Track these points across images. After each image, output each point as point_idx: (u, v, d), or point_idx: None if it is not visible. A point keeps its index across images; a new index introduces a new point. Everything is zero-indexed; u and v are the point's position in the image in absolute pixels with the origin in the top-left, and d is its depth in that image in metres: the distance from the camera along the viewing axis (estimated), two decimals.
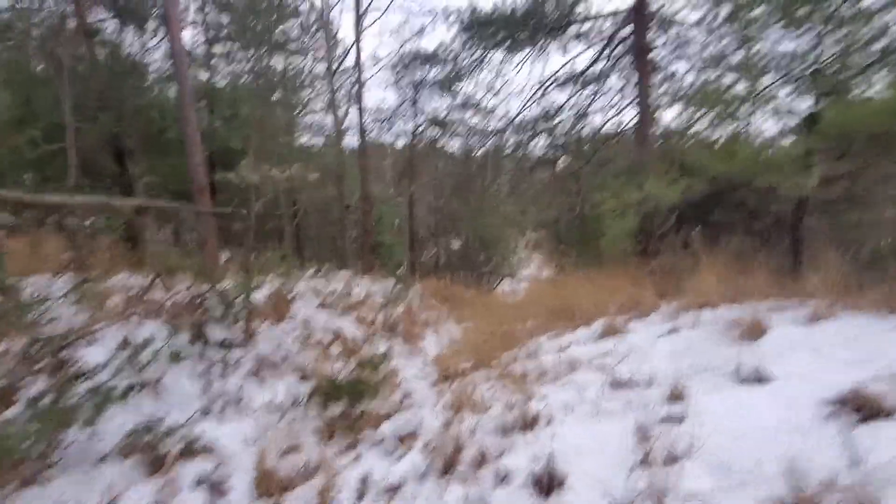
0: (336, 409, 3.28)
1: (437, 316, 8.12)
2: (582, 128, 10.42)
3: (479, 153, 13.81)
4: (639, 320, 4.14)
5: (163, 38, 7.25)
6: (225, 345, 3.65)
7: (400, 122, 13.76)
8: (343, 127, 11.76)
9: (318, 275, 8.08)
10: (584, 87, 9.88)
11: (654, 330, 3.72)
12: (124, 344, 3.08)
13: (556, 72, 9.98)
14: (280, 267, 4.62)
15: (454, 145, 14.81)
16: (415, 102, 13.32)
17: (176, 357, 3.22)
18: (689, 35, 8.10)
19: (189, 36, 8.96)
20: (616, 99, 9.83)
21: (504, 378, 3.54)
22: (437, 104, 13.35)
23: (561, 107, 10.49)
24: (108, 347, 3.00)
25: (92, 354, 2.90)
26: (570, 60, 9.66)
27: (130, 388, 2.79)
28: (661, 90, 8.73)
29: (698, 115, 8.46)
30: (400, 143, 14.13)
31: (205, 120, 7.66)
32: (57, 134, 6.10)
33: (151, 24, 7.84)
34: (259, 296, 4.68)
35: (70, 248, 3.38)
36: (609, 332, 3.94)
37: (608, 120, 10.18)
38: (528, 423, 2.50)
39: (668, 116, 8.85)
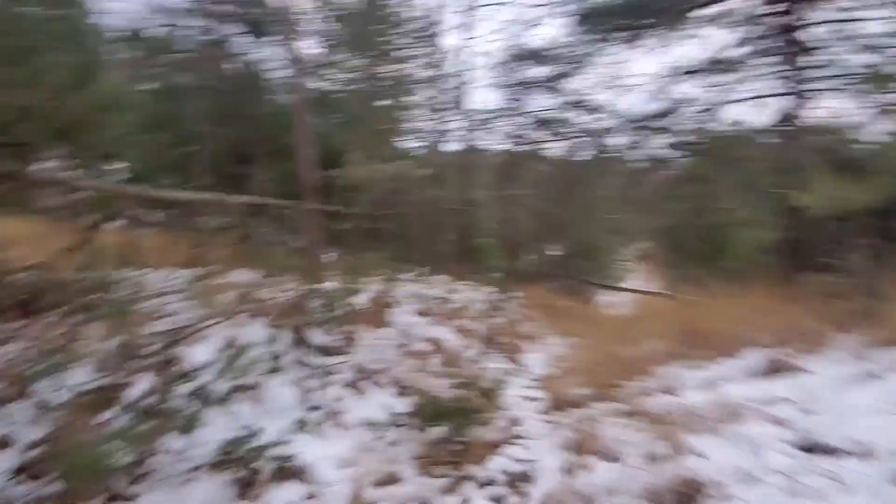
0: (437, 432, 2.92)
1: (539, 328, 7.54)
2: (709, 123, 9.14)
3: (587, 154, 12.91)
4: (811, 356, 3.25)
5: (280, 47, 7.61)
6: (325, 351, 3.49)
7: (502, 124, 13.35)
8: (445, 129, 11.64)
9: (417, 278, 7.94)
10: (714, 76, 8.64)
11: (839, 371, 2.85)
12: (228, 344, 3.02)
13: (682, 61, 8.86)
14: (383, 270, 4.41)
15: (559, 146, 14.04)
16: (518, 102, 12.81)
17: (276, 362, 3.10)
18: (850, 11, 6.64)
19: (304, 45, 9.41)
20: (754, 90, 8.45)
21: (636, 416, 2.93)
22: (542, 104, 12.73)
23: (685, 101, 9.33)
24: (212, 347, 2.94)
25: (197, 353, 2.85)
26: (698, 48, 8.51)
27: (230, 392, 2.69)
28: (815, 75, 7.28)
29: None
30: (501, 146, 13.69)
31: (316, 124, 7.93)
32: (191, 139, 6.60)
33: (272, 36, 8.30)
34: (360, 299, 4.53)
35: (193, 244, 3.43)
36: (774, 368, 3.13)
37: (740, 114, 8.85)
38: (688, 493, 1.91)
39: (824, 107, 7.33)
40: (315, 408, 2.93)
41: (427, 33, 12.64)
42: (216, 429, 2.38)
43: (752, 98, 8.00)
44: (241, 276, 4.21)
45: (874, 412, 2.27)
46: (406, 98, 13.48)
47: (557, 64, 11.07)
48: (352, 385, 3.27)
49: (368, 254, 4.55)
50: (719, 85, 8.43)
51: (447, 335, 5.12)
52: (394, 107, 11.96)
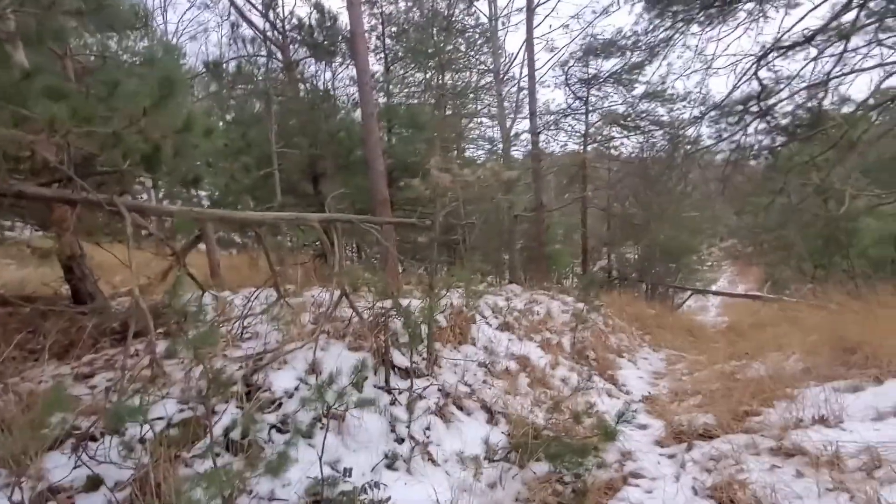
0: (540, 469, 2.55)
1: (629, 340, 6.89)
2: (819, 102, 8.00)
3: (666, 149, 11.94)
4: None
5: (348, 66, 7.69)
6: (409, 373, 3.24)
7: (570, 124, 12.75)
8: (511, 134, 11.28)
9: (493, 289, 7.60)
10: (822, 49, 7.56)
11: None
12: (311, 369, 2.85)
13: (781, 36, 7.86)
14: (462, 282, 4.13)
15: (633, 143, 13.16)
16: (587, 100, 12.17)
17: (361, 387, 2.88)
18: None
19: (370, 62, 9.53)
20: (873, 59, 7.28)
21: (790, 455, 2.37)
22: (613, 99, 12.01)
23: (786, 78, 8.27)
24: (296, 372, 2.78)
25: (279, 380, 2.70)
26: (798, 20, 7.50)
27: (314, 422, 2.49)
28: None
29: None
30: (570, 147, 13.07)
31: (384, 138, 7.92)
32: (266, 161, 6.78)
33: (340, 57, 8.45)
34: (439, 315, 4.27)
35: (271, 264, 3.34)
36: None
37: (857, 89, 7.67)
38: None
39: None
40: (403, 439, 2.66)
41: (489, 38, 12.42)
42: (302, 465, 2.18)
43: (874, 67, 6.87)
44: (321, 295, 4.11)
45: None
46: (472, 105, 13.33)
47: (632, 53, 10.34)
48: (438, 412, 2.98)
49: (447, 266, 4.28)
50: (830, 56, 7.35)
51: (533, 350, 4.72)
52: (460, 114, 11.83)
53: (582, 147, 12.60)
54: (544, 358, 4.65)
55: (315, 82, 8.52)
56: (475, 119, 14.52)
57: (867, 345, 3.45)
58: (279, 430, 2.44)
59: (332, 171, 7.27)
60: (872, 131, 7.33)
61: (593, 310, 5.86)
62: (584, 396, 4.00)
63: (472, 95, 13.45)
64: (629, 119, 11.85)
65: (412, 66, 12.20)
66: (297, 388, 2.68)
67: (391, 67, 9.73)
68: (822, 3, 7.17)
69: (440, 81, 12.38)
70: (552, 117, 12.49)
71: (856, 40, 7.23)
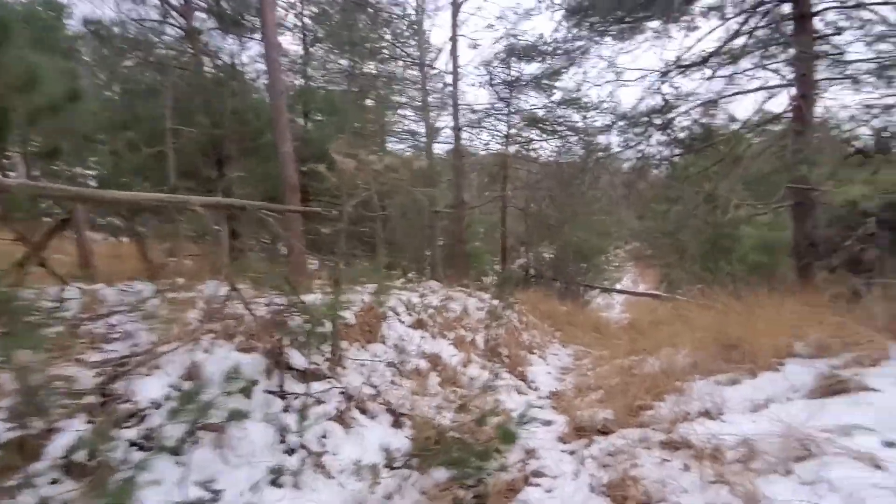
0: (442, 474, 2.43)
1: (541, 337, 7.09)
2: (711, 119, 8.80)
3: (579, 154, 12.54)
4: (870, 369, 2.83)
5: (258, 42, 7.09)
6: (307, 376, 2.98)
7: (493, 124, 12.94)
8: (435, 129, 11.19)
9: (409, 286, 7.45)
10: (716, 68, 8.31)
11: None
12: (189, 374, 2.50)
13: (681, 56, 8.51)
14: (374, 277, 3.92)
15: (551, 147, 13.67)
16: (509, 102, 12.43)
17: (247, 393, 2.59)
18: None
19: (286, 41, 8.91)
20: (759, 81, 8.13)
21: (678, 448, 2.47)
22: (534, 102, 12.36)
23: (685, 95, 8.98)
24: (168, 378, 2.42)
25: (148, 387, 2.32)
26: (697, 41, 8.17)
27: (188, 435, 2.17)
28: (824, 64, 6.98)
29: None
30: (492, 146, 13.29)
31: (302, 123, 7.45)
32: (159, 139, 6.05)
33: (249, 30, 7.79)
34: (347, 312, 4.03)
35: (145, 252, 2.90)
36: (830, 386, 2.69)
37: (745, 107, 8.54)
38: None
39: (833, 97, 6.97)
40: (294, 449, 2.42)
41: (416, 30, 12.22)
42: (166, 488, 1.87)
43: (758, 90, 7.67)
44: (211, 289, 3.69)
45: None
46: (394, 97, 13.05)
47: (551, 59, 10.70)
48: (338, 417, 2.76)
49: (357, 260, 4.05)
50: (721, 77, 8.09)
51: (446, 348, 4.63)
52: (380, 105, 11.52)
53: (503, 147, 12.85)
54: (457, 356, 4.58)
55: (221, 56, 7.77)
56: (399, 112, 14.28)
57: (745, 342, 3.76)
58: (141, 448, 2.09)
59: (239, 155, 6.67)
60: (754, 148, 8.19)
61: (508, 307, 5.92)
62: (493, 394, 3.97)
63: (397, 87, 13.20)
64: (547, 123, 12.27)
65: (336, 50, 11.67)
66: (167, 398, 2.33)
67: (310, 49, 9.17)
68: (718, 27, 7.84)
69: (363, 70, 11.98)
70: (476, 115, 12.60)
71: (744, 63, 8.05)
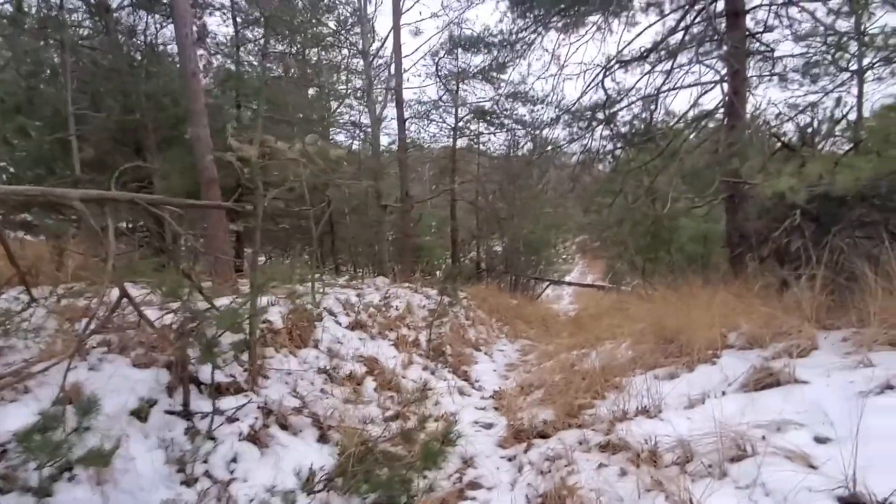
0: (369, 498, 2.21)
1: (488, 332, 6.99)
2: (651, 114, 9.01)
3: (527, 147, 12.58)
4: (800, 360, 2.85)
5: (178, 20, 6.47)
6: (219, 391, 2.66)
7: (441, 116, 12.73)
8: (380, 121, 10.84)
9: (351, 283, 7.14)
10: (655, 64, 8.49)
11: (842, 381, 2.45)
12: (67, 397, 2.13)
13: (622, 50, 8.64)
14: (305, 276, 3.62)
15: (500, 140, 13.65)
16: (456, 93, 12.25)
17: (145, 416, 2.26)
18: None
19: (214, 21, 8.25)
20: (696, 77, 8.38)
21: (616, 451, 2.37)
22: (481, 95, 12.25)
23: (625, 90, 9.14)
24: (39, 403, 2.05)
25: (13, 416, 1.95)
26: (636, 36, 8.31)
27: (61, 472, 1.83)
28: (756, 61, 7.28)
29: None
30: (440, 139, 13.09)
31: (223, 110, 6.90)
32: (60, 125, 5.39)
33: (166, 5, 7.13)
34: (274, 315, 3.71)
35: (11, 254, 2.46)
36: (762, 379, 2.69)
37: (683, 102, 8.80)
38: None
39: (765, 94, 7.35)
40: (196, 479, 2.11)
41: (358, 17, 11.76)
42: None
43: (694, 85, 7.89)
44: (113, 294, 3.26)
45: None
46: (339, 86, 12.54)
47: (497, 51, 10.60)
48: (253, 436, 2.47)
49: (287, 257, 3.73)
50: (660, 73, 8.27)
51: (386, 350, 4.39)
52: (323, 94, 11.01)
53: (452, 140, 12.68)
54: (397, 357, 4.36)
55: (137, 35, 7.05)
56: (346, 102, 13.77)
57: (682, 334, 3.77)
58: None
59: (159, 145, 6.07)
60: (689, 142, 8.44)
61: (454, 304, 5.76)
62: (433, 397, 3.79)
63: (341, 77, 12.71)
64: (495, 116, 12.21)
65: (276, 35, 11.02)
66: (35, 427, 1.96)
67: (240, 31, 8.55)
68: (656, 22, 7.99)
69: (305, 57, 11.42)
70: (423, 107, 12.34)
71: (681, 59, 8.26)
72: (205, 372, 2.66)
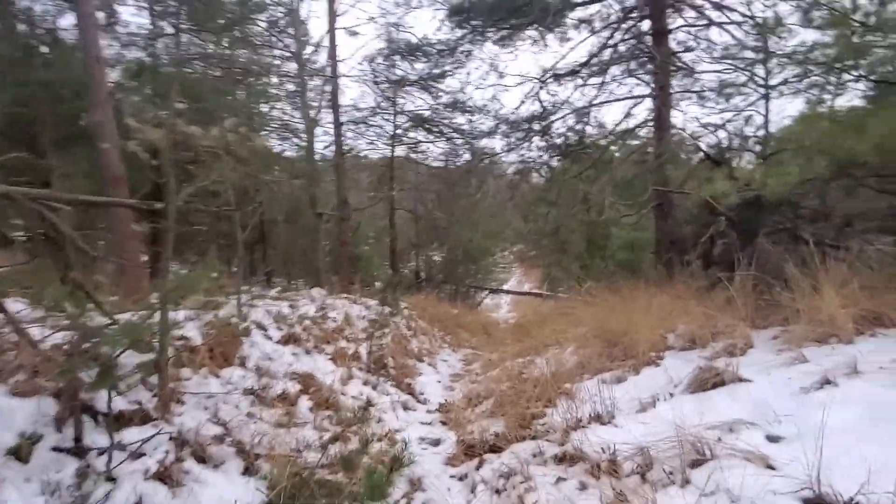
0: None
1: (430, 342, 6.79)
2: (584, 125, 9.35)
3: (465, 157, 12.66)
4: (741, 360, 2.91)
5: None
6: (121, 421, 2.24)
7: (379, 123, 12.48)
8: (315, 123, 10.39)
9: (284, 295, 6.66)
10: (587, 79, 8.83)
11: (783, 378, 2.51)
12: None
13: (556, 64, 8.89)
14: (221, 284, 3.24)
15: (439, 149, 13.62)
16: (394, 102, 12.08)
17: (23, 455, 1.83)
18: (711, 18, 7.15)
19: (127, 11, 7.51)
20: (625, 92, 8.79)
21: (573, 462, 2.25)
22: (419, 103, 12.16)
23: (560, 103, 9.42)
24: None
25: None
26: (570, 50, 8.60)
27: None
28: (679, 79, 7.76)
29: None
30: (378, 147, 12.81)
31: (141, 106, 6.24)
32: None
33: None
34: (192, 331, 3.28)
35: None
36: (707, 379, 2.70)
37: (613, 116, 9.21)
38: None
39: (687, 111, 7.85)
40: None
41: (291, 19, 11.27)
42: None
43: (623, 99, 8.27)
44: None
45: (857, 435, 1.85)
46: (272, 90, 11.91)
47: (435, 60, 10.57)
48: (163, 473, 2.08)
49: (206, 265, 3.31)
50: (593, 86, 8.60)
51: (323, 365, 4.06)
52: (252, 96, 10.38)
53: (390, 147, 12.45)
54: (335, 372, 4.04)
55: (34, 21, 6.21)
56: (278, 107, 13.11)
57: (625, 337, 3.80)
58: None
59: (55, 141, 5.33)
60: (621, 153, 8.84)
61: (395, 314, 5.50)
62: (376, 413, 3.52)
63: (273, 79, 12.09)
64: (434, 124, 12.16)
65: (199, 32, 10.27)
66: None
67: (156, 22, 7.83)
68: (588, 38, 8.31)
69: (233, 56, 10.75)
70: (360, 114, 12.02)
71: (611, 74, 8.65)
72: (101, 400, 2.23)
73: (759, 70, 7.16)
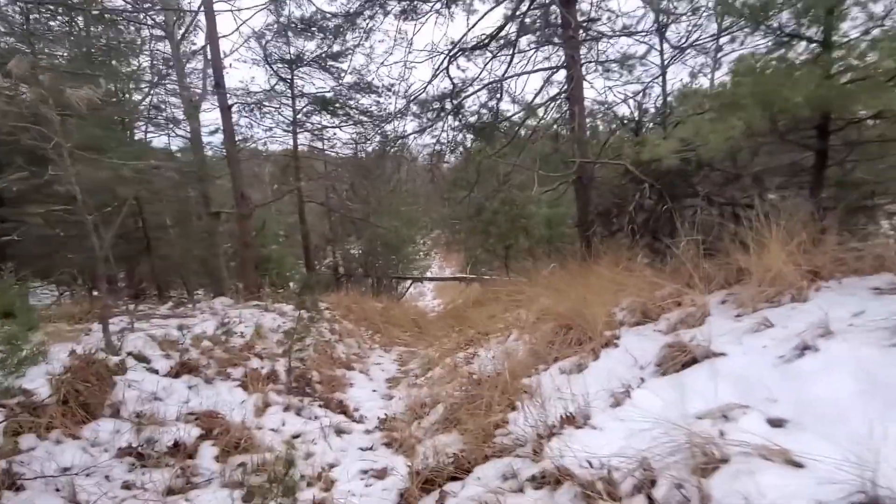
0: None
1: (359, 345, 6.17)
2: (497, 102, 9.10)
3: (376, 142, 11.93)
4: (702, 330, 2.71)
5: None
6: None
7: (276, 109, 11.30)
8: (196, 109, 9.06)
9: (177, 311, 5.66)
10: (496, 53, 8.55)
11: (757, 346, 2.31)
12: None
13: (463, 37, 8.50)
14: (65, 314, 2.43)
15: (347, 134, 12.75)
16: (292, 83, 10.98)
17: None
18: None
19: None
20: (535, 65, 8.63)
21: (559, 484, 1.85)
22: (321, 84, 11.19)
23: (469, 80, 9.07)
24: None
25: None
26: (477, 21, 8.24)
27: None
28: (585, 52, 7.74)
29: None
30: (277, 135, 11.60)
31: None
32: None
33: None
34: (37, 380, 2.42)
35: None
36: (676, 357, 2.46)
37: (525, 90, 9.05)
38: None
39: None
40: None
41: None
42: None
43: (536, 71, 8.10)
44: None
45: (872, 409, 1.63)
46: (135, 74, 10.19)
47: (332, 36, 9.69)
48: None
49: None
50: (502, 61, 8.34)
51: (229, 396, 3.32)
52: (114, 80, 8.75)
53: (292, 134, 11.35)
54: (248, 401, 3.33)
55: None
56: (156, 94, 11.31)
57: (577, 317, 3.51)
58: None
59: None
60: (539, 128, 8.72)
61: (316, 318, 4.80)
62: (302, 446, 2.91)
63: (139, 62, 10.38)
64: (339, 107, 11.26)
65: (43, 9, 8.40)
66: None
67: None
68: (493, 9, 7.98)
69: (85, 34, 9.01)
70: (253, 98, 10.78)
71: (521, 46, 8.44)
72: None
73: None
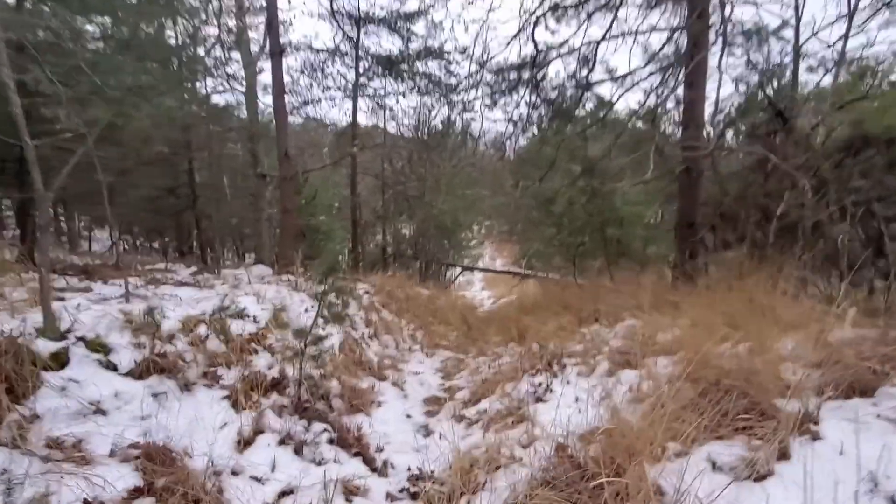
0: None
1: (397, 343, 5.17)
2: (588, 75, 7.69)
3: (441, 115, 10.86)
4: None
5: None
6: None
7: (341, 72, 10.45)
8: (254, 64, 8.34)
9: (197, 278, 4.91)
10: (592, 13, 7.14)
11: None
12: None
13: None
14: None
15: (410, 103, 11.72)
16: (357, 43, 10.05)
17: None
18: None
19: None
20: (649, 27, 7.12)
21: None
22: (387, 47, 10.20)
23: (557, 45, 7.71)
24: None
25: None
26: None
27: None
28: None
29: None
30: (338, 96, 10.72)
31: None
32: None
33: None
34: None
35: None
36: None
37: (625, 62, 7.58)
38: None
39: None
40: None
41: None
42: None
43: (642, 33, 6.65)
44: None
45: None
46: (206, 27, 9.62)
47: None
48: None
49: None
50: (600, 26, 6.94)
51: (207, 415, 2.38)
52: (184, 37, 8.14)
53: (351, 99, 10.47)
54: (231, 426, 2.37)
55: None
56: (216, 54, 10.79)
57: (735, 369, 2.28)
58: None
59: None
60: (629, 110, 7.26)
61: (341, 316, 3.80)
62: None
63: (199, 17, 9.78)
64: (405, 72, 10.24)
65: None
66: None
67: None
68: None
69: None
70: (316, 56, 9.96)
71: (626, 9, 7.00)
72: None
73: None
